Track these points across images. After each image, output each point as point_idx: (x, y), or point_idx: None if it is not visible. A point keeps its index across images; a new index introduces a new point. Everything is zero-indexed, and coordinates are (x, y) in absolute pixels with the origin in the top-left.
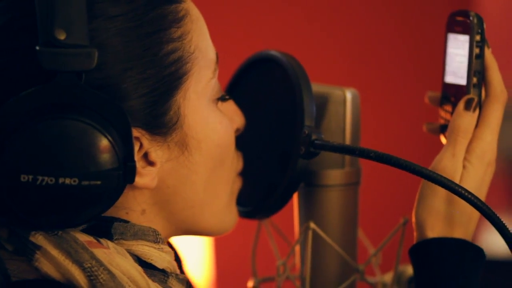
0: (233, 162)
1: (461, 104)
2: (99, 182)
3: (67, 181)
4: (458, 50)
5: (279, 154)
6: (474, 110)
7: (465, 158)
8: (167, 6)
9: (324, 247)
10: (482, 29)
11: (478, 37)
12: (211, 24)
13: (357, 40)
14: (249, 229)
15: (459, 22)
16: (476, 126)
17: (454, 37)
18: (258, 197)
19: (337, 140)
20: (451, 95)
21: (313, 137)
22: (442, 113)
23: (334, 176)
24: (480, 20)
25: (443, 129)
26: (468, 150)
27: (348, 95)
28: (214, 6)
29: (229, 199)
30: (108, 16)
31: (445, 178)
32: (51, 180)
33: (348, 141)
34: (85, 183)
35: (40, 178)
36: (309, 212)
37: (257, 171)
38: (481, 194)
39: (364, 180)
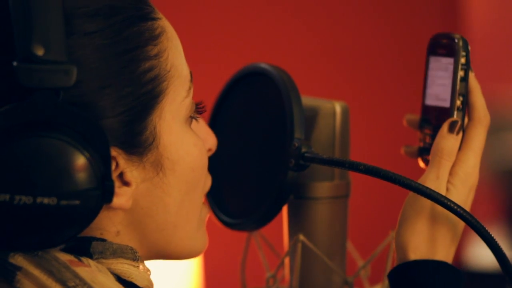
0: (205, 184)
1: (445, 127)
2: (77, 202)
3: (45, 200)
4: (440, 73)
5: (268, 166)
6: (458, 132)
7: (448, 181)
8: (143, 23)
9: (313, 259)
10: (467, 52)
11: (463, 60)
12: (200, 37)
13: (347, 53)
14: (238, 241)
15: (442, 45)
16: (460, 150)
17: (436, 59)
18: (247, 209)
19: (326, 152)
20: (432, 117)
21: (303, 149)
22: (421, 136)
23: (323, 188)
24: (465, 43)
25: (421, 152)
26: (451, 173)
27: (338, 108)
28: (204, 18)
29: (198, 223)
30: (85, 32)
31: (433, 191)
32: (28, 200)
33: (337, 153)
34: (64, 202)
35: (17, 197)
36: (298, 224)
37: (247, 183)
38: None
39: (353, 192)
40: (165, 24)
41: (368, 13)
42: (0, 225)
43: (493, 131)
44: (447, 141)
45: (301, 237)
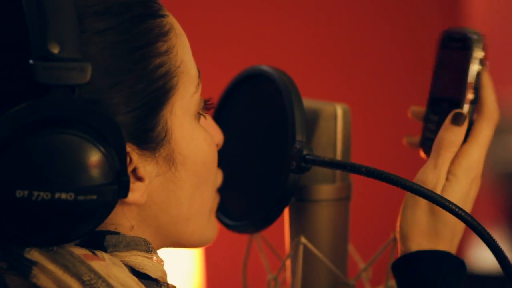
0: (215, 179)
1: (448, 118)
2: (94, 197)
3: (63, 196)
4: (452, 66)
5: (270, 168)
6: (461, 124)
7: (450, 171)
8: (152, 20)
9: (314, 262)
10: (484, 46)
11: (480, 54)
12: (201, 39)
13: (349, 55)
14: (240, 244)
15: (457, 39)
16: (466, 142)
17: (449, 53)
18: (249, 211)
19: (328, 155)
20: (440, 109)
21: (304, 152)
22: (425, 126)
23: (325, 191)
24: (483, 38)
25: (423, 142)
26: (454, 163)
27: (339, 110)
28: (207, 20)
29: (209, 214)
30: (96, 30)
31: (436, 194)
32: (47, 195)
33: (339, 156)
34: (81, 197)
35: (35, 193)
36: (300, 226)
37: (248, 186)
38: (466, 207)
39: (354, 195)
40: (173, 21)
41: (369, 15)
42: (19, 221)
43: (495, 133)
44: (449, 133)
45: (303, 239)
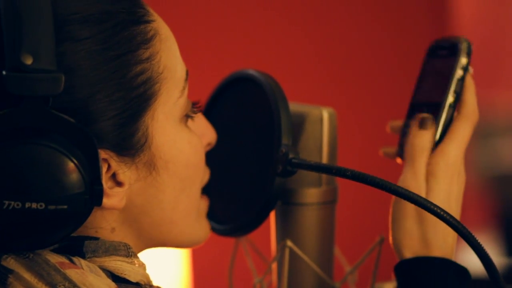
0: (202, 179)
1: (416, 124)
2: (65, 207)
3: (34, 205)
4: (437, 74)
5: (256, 172)
6: (429, 128)
7: (429, 172)
8: (135, 27)
9: (300, 265)
10: (469, 54)
11: (464, 60)
12: (188, 43)
13: (335, 59)
14: (226, 247)
15: (445, 46)
16: (442, 141)
17: (435, 61)
18: (235, 215)
19: (314, 158)
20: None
21: (290, 155)
22: (406, 133)
23: (311, 194)
24: (469, 46)
25: (401, 150)
26: (432, 164)
27: (325, 114)
28: (191, 25)
29: (196, 216)
30: (76, 39)
31: (420, 196)
32: (17, 205)
33: (325, 159)
34: (52, 207)
35: (6, 202)
36: (286, 230)
37: (235, 189)
38: (452, 207)
39: (340, 198)
40: (159, 26)
41: (356, 20)
42: None
43: (483, 137)
44: (418, 138)
45: (289, 242)
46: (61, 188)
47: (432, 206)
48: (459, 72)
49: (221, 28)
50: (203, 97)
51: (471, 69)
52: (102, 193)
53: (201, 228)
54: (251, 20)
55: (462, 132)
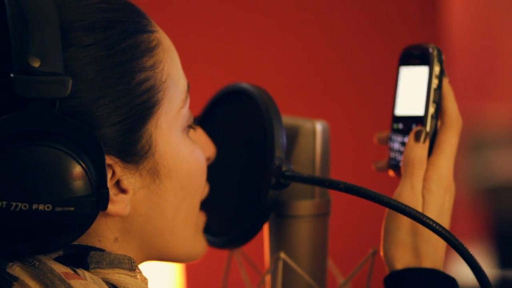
0: (203, 192)
1: (411, 137)
2: (72, 209)
3: (41, 207)
4: (412, 83)
5: (249, 185)
6: (424, 141)
7: (424, 187)
8: (139, 36)
9: (294, 277)
10: (441, 61)
11: (437, 69)
12: (183, 55)
13: (327, 72)
14: (220, 259)
15: (416, 55)
16: (432, 153)
17: (409, 69)
18: (229, 227)
19: (307, 171)
20: (404, 127)
21: (284, 168)
22: (392, 147)
23: (304, 206)
24: (439, 52)
25: (392, 163)
26: (425, 178)
27: (318, 127)
28: (185, 37)
29: (195, 229)
30: (81, 45)
31: (413, 209)
32: (24, 206)
33: (318, 172)
34: (59, 209)
35: (14, 204)
36: (279, 242)
37: (228, 202)
38: (443, 219)
39: (333, 210)
40: (161, 36)
41: (348, 32)
42: None
43: (474, 149)
44: (415, 151)
45: (282, 254)
46: (68, 190)
47: (426, 219)
48: (434, 82)
49: (214, 41)
50: (197, 110)
51: (446, 75)
52: (108, 196)
53: (199, 243)
54: (244, 33)
55: (449, 142)
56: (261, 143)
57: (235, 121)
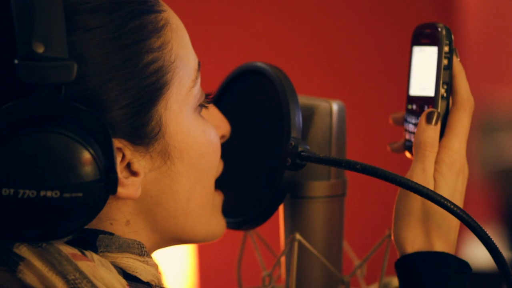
0: (217, 171)
1: (422, 119)
2: (80, 194)
3: (48, 193)
4: (424, 63)
5: (265, 165)
6: (436, 122)
7: (435, 170)
8: (146, 16)
9: (309, 259)
10: (451, 40)
11: (446, 48)
12: (197, 35)
13: (344, 52)
14: (234, 240)
15: (426, 34)
16: (444, 135)
17: (421, 49)
18: (244, 208)
19: (323, 152)
20: (417, 108)
21: (300, 148)
22: (407, 128)
23: (319, 187)
24: (449, 31)
25: (408, 144)
26: (437, 161)
27: (334, 107)
28: (201, 16)
29: (212, 209)
30: (87, 28)
31: (430, 190)
32: (32, 193)
33: (334, 152)
34: (67, 195)
35: (21, 191)
36: (294, 223)
37: (243, 182)
38: (455, 200)
39: (349, 191)
40: (169, 15)
41: (364, 12)
42: (6, 218)
43: (486, 132)
44: (427, 133)
45: (298, 236)
46: (76, 176)
47: (443, 200)
48: (444, 61)
49: (230, 21)
50: (211, 89)
51: (457, 55)
52: (117, 181)
53: (217, 222)
54: (259, 13)
55: (461, 123)
56: (276, 123)
57: (250, 101)
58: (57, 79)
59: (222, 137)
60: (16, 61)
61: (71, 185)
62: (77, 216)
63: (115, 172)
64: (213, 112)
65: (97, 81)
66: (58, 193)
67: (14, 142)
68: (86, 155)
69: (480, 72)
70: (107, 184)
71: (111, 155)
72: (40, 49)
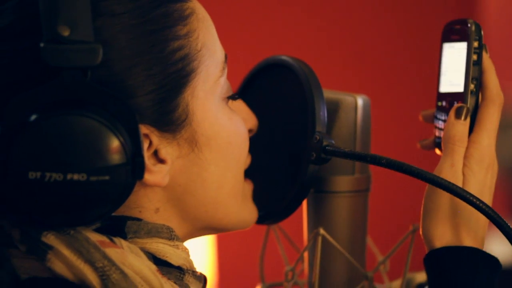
0: (246, 161)
1: (452, 114)
2: (107, 178)
3: (75, 177)
4: (454, 59)
5: (289, 159)
6: (466, 117)
7: (464, 165)
8: (172, 4)
9: (333, 254)
10: (480, 36)
11: (476, 44)
12: (223, 28)
13: (369, 46)
14: (257, 234)
15: (456, 30)
16: (473, 131)
17: (450, 45)
18: (268, 202)
19: (347, 146)
20: (447, 104)
21: (324, 143)
22: (437, 125)
23: (344, 182)
24: (478, 27)
25: (438, 141)
26: (466, 156)
27: (359, 101)
28: (226, 9)
29: (243, 197)
30: (113, 13)
31: (456, 186)
32: (59, 177)
33: (358, 147)
34: (93, 178)
35: (48, 174)
36: (318, 218)
37: (268, 176)
38: (484, 198)
39: (373, 187)
40: (195, 6)
41: (389, 6)
42: (33, 203)
43: (502, 128)
44: (456, 127)
45: (321, 230)
46: (103, 159)
47: (469, 196)
48: (473, 57)
49: (255, 14)
50: (236, 83)
51: (486, 49)
52: (144, 165)
53: (249, 210)
54: (285, 6)
55: (490, 118)
56: (301, 117)
57: (275, 94)
58: (83, 62)
59: (249, 131)
60: (41, 45)
61: (97, 169)
62: (104, 200)
63: (142, 157)
64: (240, 106)
65: (123, 66)
66: (85, 176)
67: (41, 126)
68: (113, 139)
69: (498, 68)
70: (134, 168)
71: (137, 139)
72: (66, 32)
